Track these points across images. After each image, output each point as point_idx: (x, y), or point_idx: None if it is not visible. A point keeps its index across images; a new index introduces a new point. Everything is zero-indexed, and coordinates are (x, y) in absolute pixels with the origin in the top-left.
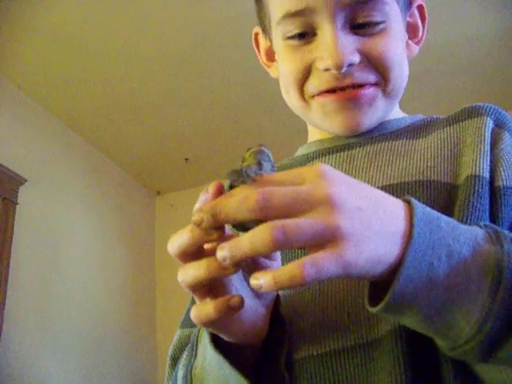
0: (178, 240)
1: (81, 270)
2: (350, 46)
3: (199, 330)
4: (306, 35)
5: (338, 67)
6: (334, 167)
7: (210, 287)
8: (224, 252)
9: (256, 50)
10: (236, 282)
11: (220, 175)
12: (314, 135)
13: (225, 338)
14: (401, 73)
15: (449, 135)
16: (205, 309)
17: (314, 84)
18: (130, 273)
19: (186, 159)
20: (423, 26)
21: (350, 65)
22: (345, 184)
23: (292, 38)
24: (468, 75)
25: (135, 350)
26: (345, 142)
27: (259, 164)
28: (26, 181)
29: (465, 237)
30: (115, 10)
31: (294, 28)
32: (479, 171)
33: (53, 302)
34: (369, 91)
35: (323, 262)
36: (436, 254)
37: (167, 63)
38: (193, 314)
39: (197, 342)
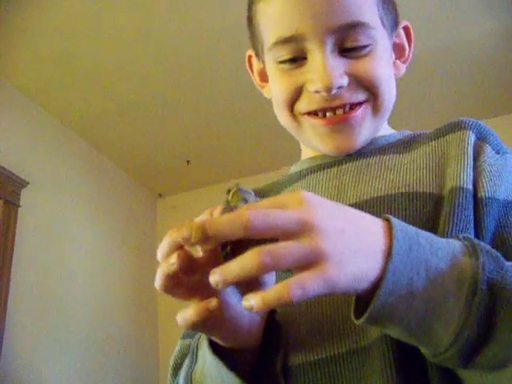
0: (157, 277)
1: (82, 272)
2: (338, 70)
3: (200, 337)
4: (297, 59)
5: (328, 90)
6: (325, 182)
7: (193, 289)
8: (216, 277)
9: (250, 72)
10: (229, 290)
11: (221, 177)
12: (306, 153)
13: (218, 341)
14: (388, 90)
15: (434, 149)
16: (187, 312)
17: (303, 103)
18: (131, 275)
19: (188, 161)
20: (409, 46)
21: (340, 87)
22: (326, 208)
23: (283, 62)
24: (467, 79)
25: (136, 352)
26: (335, 158)
27: (245, 200)
28: (27, 183)
29: (442, 251)
30: (117, 12)
31: (285, 53)
32: (462, 183)
33: (55, 304)
34: (359, 112)
35: (308, 282)
36: (415, 268)
37: (169, 66)
38: (178, 317)
39: (197, 347)
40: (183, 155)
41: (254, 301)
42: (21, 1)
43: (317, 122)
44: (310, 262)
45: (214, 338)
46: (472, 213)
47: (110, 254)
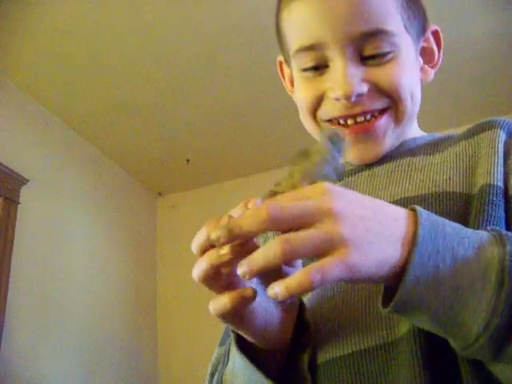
0: (199, 268)
1: (82, 270)
2: (357, 77)
3: (230, 341)
4: (320, 67)
5: (347, 97)
6: (358, 185)
7: (227, 281)
8: (244, 268)
9: (281, 77)
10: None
11: (221, 176)
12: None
13: (247, 337)
14: (412, 97)
15: (464, 148)
16: (221, 300)
17: (325, 110)
18: (131, 273)
19: (188, 160)
20: (439, 51)
21: (359, 95)
22: (346, 197)
23: (307, 70)
24: (466, 79)
25: (135, 350)
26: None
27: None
28: (27, 181)
29: (469, 240)
30: (118, 10)
31: (307, 61)
32: (493, 180)
33: (54, 302)
34: (382, 122)
35: (327, 267)
36: (441, 256)
37: (169, 64)
38: (210, 307)
39: (229, 349)
40: (183, 154)
41: (278, 288)
42: (20, 0)
43: (338, 131)
44: (329, 248)
45: (243, 333)
46: (503, 210)
47: (110, 252)
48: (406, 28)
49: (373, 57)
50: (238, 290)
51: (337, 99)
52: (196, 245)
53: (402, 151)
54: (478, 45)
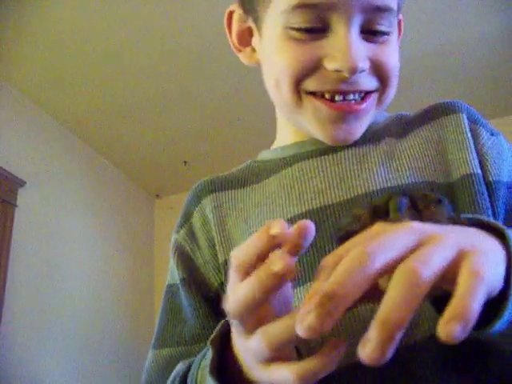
0: (242, 295)
1: (79, 273)
2: (363, 52)
3: (197, 370)
4: (316, 30)
5: (352, 71)
6: (321, 170)
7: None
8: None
9: (227, 31)
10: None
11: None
12: (287, 138)
13: (240, 348)
14: (396, 83)
15: (429, 133)
16: (246, 284)
17: (314, 81)
18: (128, 275)
19: (185, 162)
20: (398, 39)
21: (361, 71)
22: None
23: (298, 30)
24: (463, 80)
25: (132, 351)
26: (326, 145)
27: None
28: (25, 183)
29: None
30: (115, 12)
31: (304, 20)
32: (473, 169)
33: (51, 305)
34: (368, 103)
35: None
36: None
37: (167, 66)
38: (229, 291)
39: (196, 378)
40: (180, 156)
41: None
42: (19, 5)
43: (323, 105)
44: (459, 257)
45: (237, 344)
46: (488, 198)
47: (107, 253)
48: (398, 10)
49: (374, 33)
50: (264, 265)
51: (337, 71)
52: (233, 306)
53: (365, 133)
54: (474, 47)
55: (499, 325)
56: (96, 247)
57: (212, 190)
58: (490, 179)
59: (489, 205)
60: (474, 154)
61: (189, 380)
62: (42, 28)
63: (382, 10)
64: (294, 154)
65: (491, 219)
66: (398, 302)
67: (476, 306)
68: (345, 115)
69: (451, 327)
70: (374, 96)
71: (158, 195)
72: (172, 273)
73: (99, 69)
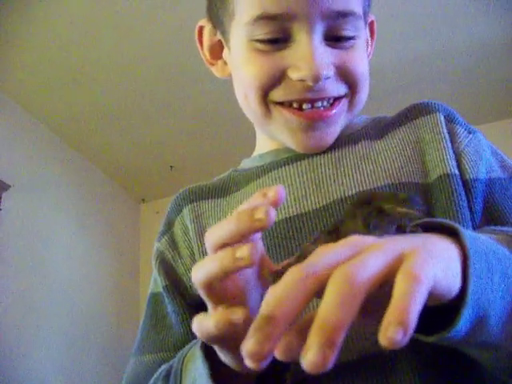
0: (205, 269)
1: (64, 277)
2: (326, 59)
3: (183, 356)
4: (279, 41)
5: (315, 79)
6: (298, 176)
7: (225, 291)
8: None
9: (198, 46)
10: (254, 293)
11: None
12: (265, 145)
13: (229, 360)
14: (366, 87)
15: (406, 134)
16: (205, 322)
17: (280, 92)
18: (114, 279)
19: (171, 166)
20: (372, 42)
21: (326, 78)
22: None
23: (262, 41)
24: (458, 83)
25: (116, 353)
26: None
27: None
28: (9, 187)
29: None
30: (102, 18)
31: (266, 32)
32: (450, 169)
33: (35, 308)
34: (337, 109)
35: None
36: (491, 271)
37: (153, 71)
38: (194, 327)
39: (181, 372)
40: (167, 160)
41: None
42: (8, 11)
43: (291, 115)
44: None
45: (223, 355)
46: (465, 197)
47: (93, 258)
48: (364, 14)
49: (339, 39)
50: (224, 311)
51: (301, 80)
52: (213, 238)
53: (341, 137)
54: (466, 52)
55: (461, 325)
56: (81, 251)
57: (192, 200)
58: (467, 177)
59: (466, 204)
60: (451, 154)
61: (175, 363)
62: (30, 33)
63: (343, 15)
64: (270, 161)
65: (446, 220)
66: (334, 305)
67: (413, 308)
68: (314, 123)
69: (390, 333)
70: (344, 101)
71: (143, 199)
72: (155, 281)
73: (86, 74)
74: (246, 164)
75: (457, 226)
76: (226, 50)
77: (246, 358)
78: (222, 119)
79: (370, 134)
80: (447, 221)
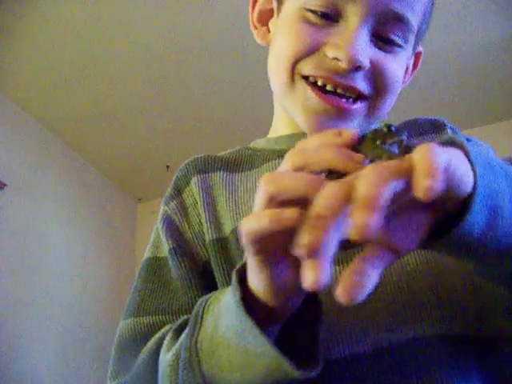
0: (259, 222)
1: (60, 276)
2: (367, 50)
3: (204, 304)
4: (329, 17)
5: (350, 63)
6: None
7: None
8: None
9: (250, 7)
10: None
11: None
12: (282, 128)
13: (261, 284)
14: (391, 99)
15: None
16: (256, 218)
17: (309, 65)
18: (110, 279)
19: (168, 166)
20: (412, 72)
21: (359, 67)
22: None
23: (313, 12)
24: (451, 86)
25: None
26: None
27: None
28: (5, 185)
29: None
30: (98, 16)
31: (320, 4)
32: None
33: (32, 308)
34: (358, 107)
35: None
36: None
37: (149, 70)
38: (244, 226)
39: (202, 314)
40: (163, 160)
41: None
42: (5, 12)
43: (312, 93)
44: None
45: (258, 279)
46: None
47: (89, 257)
48: (418, 30)
49: (385, 40)
50: (278, 210)
51: (335, 59)
52: (270, 191)
53: None
54: (461, 55)
55: (476, 211)
56: (77, 250)
57: (200, 170)
58: None
59: None
60: None
61: (194, 310)
62: (28, 34)
63: (397, 18)
64: (286, 147)
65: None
66: (369, 182)
67: (438, 160)
68: (331, 110)
69: (424, 183)
70: (366, 103)
71: (140, 199)
72: (157, 245)
73: (82, 73)
74: (260, 144)
75: (461, 140)
76: (273, 19)
77: (301, 248)
78: (218, 119)
79: None
80: (450, 136)
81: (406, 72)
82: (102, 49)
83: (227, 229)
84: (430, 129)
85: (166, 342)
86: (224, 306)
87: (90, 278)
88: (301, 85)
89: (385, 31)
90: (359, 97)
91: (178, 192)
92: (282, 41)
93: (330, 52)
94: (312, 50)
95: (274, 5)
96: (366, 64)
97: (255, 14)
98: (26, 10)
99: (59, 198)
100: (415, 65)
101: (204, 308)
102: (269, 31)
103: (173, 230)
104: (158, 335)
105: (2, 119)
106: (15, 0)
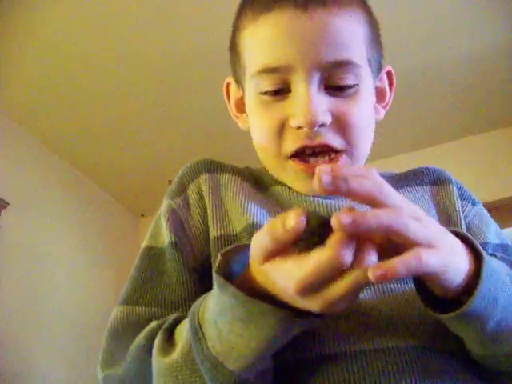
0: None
1: (64, 293)
2: (322, 106)
3: (198, 309)
4: (280, 92)
5: (310, 125)
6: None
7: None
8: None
9: (226, 100)
10: None
11: None
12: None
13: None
14: (367, 140)
15: (423, 195)
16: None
17: (288, 143)
18: (113, 296)
19: (170, 181)
20: (390, 91)
21: (322, 125)
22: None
23: (266, 93)
24: (442, 99)
25: None
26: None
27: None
28: (8, 204)
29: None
30: (98, 32)
31: (268, 84)
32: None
33: (35, 326)
34: (342, 161)
35: (426, 257)
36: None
37: (151, 86)
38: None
39: (200, 327)
40: (165, 176)
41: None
42: (3, 30)
43: (301, 168)
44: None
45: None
46: None
47: (92, 273)
48: (369, 62)
49: (337, 88)
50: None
51: (299, 127)
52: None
53: None
54: (454, 66)
55: (480, 292)
56: (81, 267)
57: (209, 170)
58: (479, 242)
59: None
60: (463, 226)
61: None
62: (27, 50)
63: (340, 64)
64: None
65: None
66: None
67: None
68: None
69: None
70: (345, 157)
71: (142, 215)
72: (157, 236)
73: (84, 89)
74: (262, 171)
75: (468, 235)
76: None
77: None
78: (220, 135)
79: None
80: (461, 231)
81: (381, 95)
82: (103, 66)
83: (238, 226)
84: (435, 180)
85: (157, 343)
86: (218, 308)
87: (93, 294)
88: (289, 166)
89: (334, 80)
90: (336, 152)
91: (183, 188)
92: (255, 127)
93: (292, 123)
94: (280, 129)
95: (241, 92)
96: (327, 119)
97: (232, 106)
98: (23, 24)
99: (62, 216)
100: (391, 83)
101: (198, 321)
102: (248, 116)
103: (177, 224)
104: (147, 329)
105: (4, 139)
106: (13, 15)
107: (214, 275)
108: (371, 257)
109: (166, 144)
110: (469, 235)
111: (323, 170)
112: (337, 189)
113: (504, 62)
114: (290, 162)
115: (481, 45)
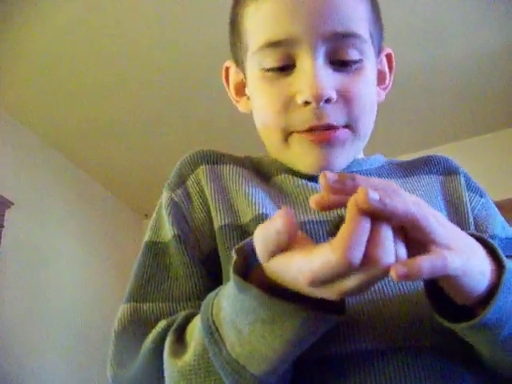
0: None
1: (67, 293)
2: (329, 81)
3: (211, 310)
4: (285, 68)
5: (317, 99)
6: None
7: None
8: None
9: (225, 84)
10: None
11: None
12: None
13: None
14: (371, 117)
15: (432, 184)
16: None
17: (295, 122)
18: (116, 296)
19: None
20: (390, 74)
21: (328, 100)
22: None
23: (270, 69)
24: (450, 97)
25: None
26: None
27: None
28: (12, 204)
29: None
30: (100, 32)
31: (272, 60)
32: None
33: (38, 326)
34: (340, 133)
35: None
36: None
37: (156, 87)
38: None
39: (216, 328)
40: (169, 175)
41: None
42: (4, 26)
43: (303, 138)
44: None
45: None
46: None
47: (95, 274)
48: (371, 39)
49: (342, 63)
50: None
51: (305, 102)
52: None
53: (357, 171)
54: (454, 67)
55: (498, 300)
56: (84, 267)
57: (209, 161)
58: (486, 235)
59: None
60: (471, 219)
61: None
62: (29, 50)
63: (345, 36)
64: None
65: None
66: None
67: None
68: (321, 145)
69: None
70: (347, 130)
71: (146, 215)
72: (159, 230)
73: (88, 88)
74: (264, 160)
75: (491, 242)
76: (247, 86)
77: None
78: (223, 134)
79: (391, 172)
80: (483, 236)
81: (381, 77)
82: (107, 66)
83: (245, 216)
84: (443, 169)
85: (168, 345)
86: (237, 308)
87: (96, 294)
88: (293, 139)
89: (339, 54)
90: (338, 126)
91: (182, 180)
92: (258, 105)
93: (299, 99)
94: (286, 106)
95: (242, 74)
96: (333, 95)
97: (232, 89)
98: (23, 23)
99: (66, 216)
100: (390, 66)
101: (213, 321)
102: (248, 99)
103: (179, 217)
104: (155, 331)
105: (7, 138)
106: (16, 15)
107: (232, 275)
108: (401, 250)
109: (171, 145)
110: (490, 241)
111: (328, 174)
112: (344, 186)
113: (505, 62)
114: (297, 134)
115: (481, 45)
